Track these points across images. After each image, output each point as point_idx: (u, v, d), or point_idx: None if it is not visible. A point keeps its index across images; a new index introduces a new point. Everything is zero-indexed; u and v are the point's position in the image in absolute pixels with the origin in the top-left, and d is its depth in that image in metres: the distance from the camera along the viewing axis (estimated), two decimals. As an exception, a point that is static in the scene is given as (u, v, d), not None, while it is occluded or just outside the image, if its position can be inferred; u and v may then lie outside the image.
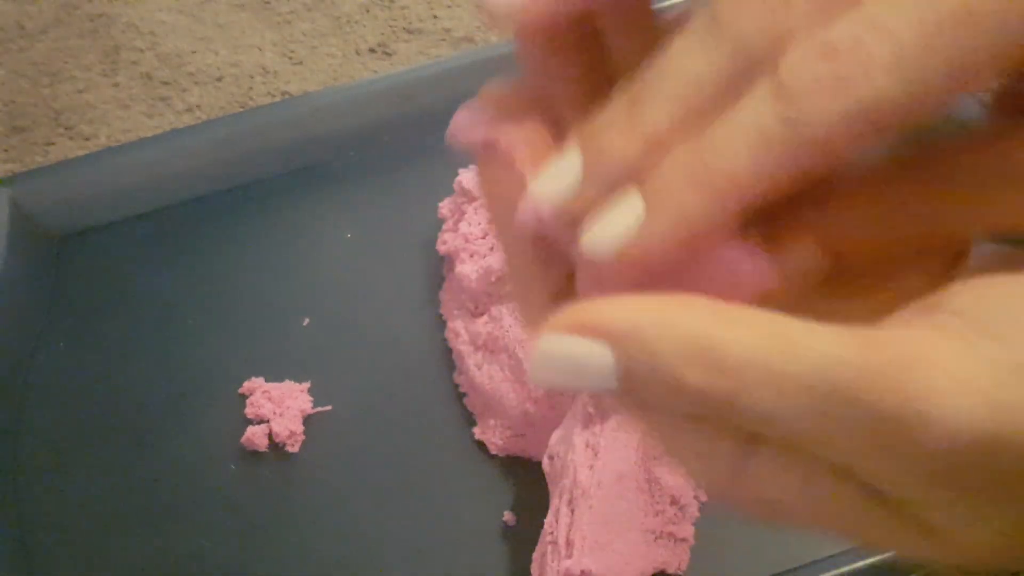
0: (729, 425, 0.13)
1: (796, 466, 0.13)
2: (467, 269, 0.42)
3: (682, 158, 0.14)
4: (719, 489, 0.14)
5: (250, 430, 0.41)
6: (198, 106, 0.57)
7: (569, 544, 0.33)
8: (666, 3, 0.30)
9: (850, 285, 0.16)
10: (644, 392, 0.13)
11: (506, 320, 0.40)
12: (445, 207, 0.45)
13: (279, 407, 0.41)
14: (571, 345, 0.13)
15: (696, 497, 0.36)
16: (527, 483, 0.39)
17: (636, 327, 0.13)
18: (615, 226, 0.14)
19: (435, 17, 0.59)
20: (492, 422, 0.40)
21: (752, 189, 0.13)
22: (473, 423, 0.41)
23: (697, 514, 0.36)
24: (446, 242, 0.44)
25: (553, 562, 0.33)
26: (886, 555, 0.33)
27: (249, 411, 0.42)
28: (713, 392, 0.12)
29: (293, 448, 0.41)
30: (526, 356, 0.39)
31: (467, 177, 0.44)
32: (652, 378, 0.13)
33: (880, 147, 0.15)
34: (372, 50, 0.58)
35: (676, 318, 0.13)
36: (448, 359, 0.43)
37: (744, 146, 0.13)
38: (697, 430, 0.13)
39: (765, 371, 0.12)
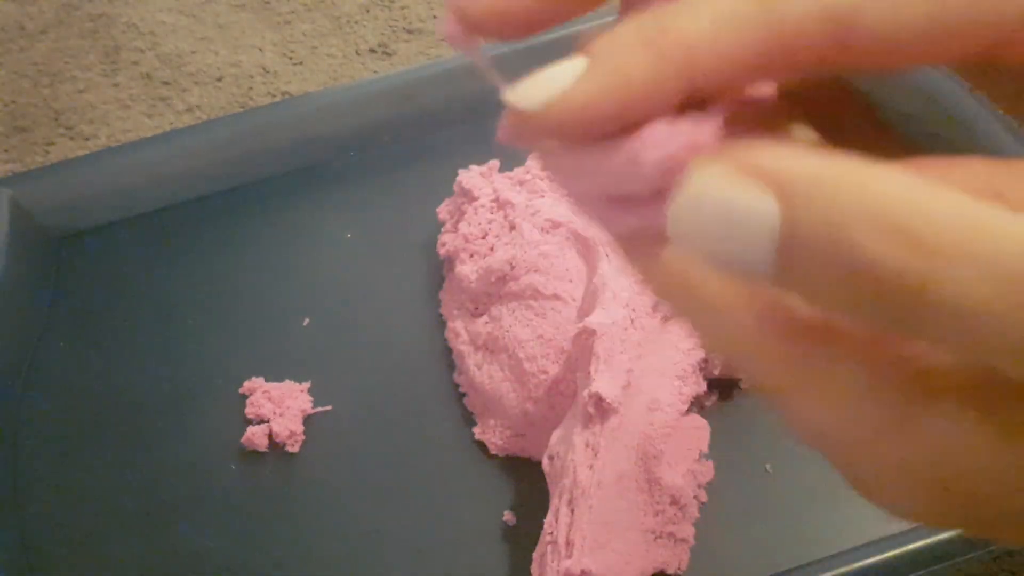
0: (902, 338, 0.11)
1: (994, 417, 0.10)
2: (467, 269, 0.42)
3: (640, 20, 0.12)
4: (861, 442, 0.11)
5: (250, 430, 0.41)
6: (198, 106, 0.56)
7: (569, 544, 0.33)
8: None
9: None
10: (805, 269, 0.10)
11: (506, 320, 0.40)
12: (444, 210, 0.45)
13: (279, 407, 0.41)
14: (729, 189, 0.11)
15: (696, 497, 0.36)
16: (527, 483, 0.39)
17: (815, 179, 0.10)
18: (550, 78, 0.12)
19: (435, 17, 0.59)
20: (492, 422, 0.40)
21: (702, 64, 0.12)
22: (473, 423, 0.41)
23: (697, 514, 0.36)
24: (445, 244, 0.44)
25: (553, 562, 0.33)
26: (887, 554, 0.33)
27: (249, 411, 0.42)
28: (900, 270, 0.09)
29: (293, 448, 0.41)
30: (527, 356, 0.39)
31: (467, 177, 0.44)
32: (822, 247, 0.10)
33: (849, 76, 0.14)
34: (372, 50, 0.58)
35: (864, 177, 0.10)
36: (448, 359, 0.43)
37: (709, 17, 0.12)
38: (858, 364, 0.11)
39: (975, 257, 0.09)
